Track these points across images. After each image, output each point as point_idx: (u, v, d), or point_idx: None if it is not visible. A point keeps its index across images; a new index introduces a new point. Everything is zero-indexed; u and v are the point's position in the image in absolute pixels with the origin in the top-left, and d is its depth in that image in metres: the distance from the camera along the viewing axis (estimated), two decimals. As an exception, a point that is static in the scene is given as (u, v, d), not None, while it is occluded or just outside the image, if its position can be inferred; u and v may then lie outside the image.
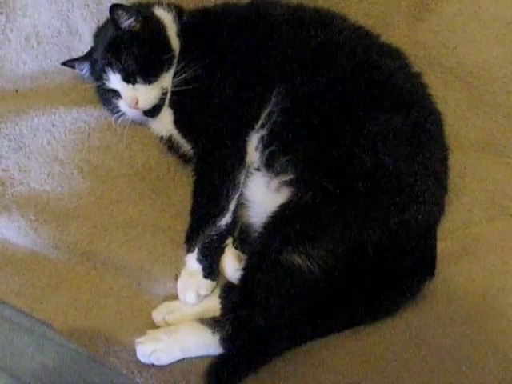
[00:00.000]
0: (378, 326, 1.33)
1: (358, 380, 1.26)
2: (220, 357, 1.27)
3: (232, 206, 1.42)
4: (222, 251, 1.43)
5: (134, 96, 1.50)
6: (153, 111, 1.54)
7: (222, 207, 1.41)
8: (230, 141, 1.45)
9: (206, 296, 1.39)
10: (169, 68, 1.53)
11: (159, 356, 1.28)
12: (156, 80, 1.51)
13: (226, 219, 1.42)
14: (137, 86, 1.50)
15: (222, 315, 1.34)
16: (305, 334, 1.31)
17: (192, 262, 1.40)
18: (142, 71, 1.49)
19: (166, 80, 1.53)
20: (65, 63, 1.65)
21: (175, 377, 1.28)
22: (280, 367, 1.27)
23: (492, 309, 1.35)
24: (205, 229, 1.40)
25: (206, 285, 1.39)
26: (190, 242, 1.41)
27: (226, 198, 1.41)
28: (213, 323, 1.31)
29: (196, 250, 1.39)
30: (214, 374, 1.25)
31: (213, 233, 1.40)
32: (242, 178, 1.44)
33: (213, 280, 1.40)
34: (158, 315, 1.36)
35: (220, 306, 1.37)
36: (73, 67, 1.66)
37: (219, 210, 1.41)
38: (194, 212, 1.44)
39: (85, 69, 1.63)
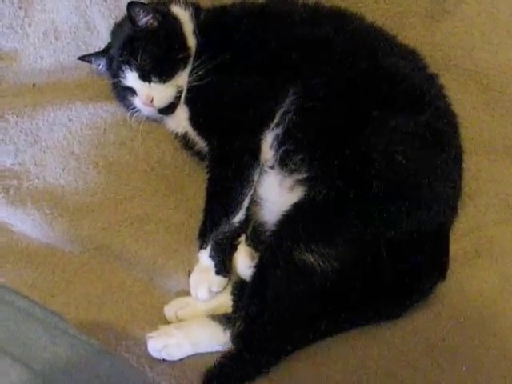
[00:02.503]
0: (388, 326, 1.33)
1: (367, 380, 1.26)
2: (229, 355, 1.28)
3: (245, 204, 1.43)
4: (234, 248, 1.43)
5: (150, 94, 1.50)
6: (168, 109, 1.54)
7: (236, 205, 1.41)
8: (244, 139, 1.45)
9: (217, 292, 1.39)
10: (185, 66, 1.53)
11: (170, 351, 1.29)
12: (171, 79, 1.51)
13: (239, 217, 1.42)
14: (152, 84, 1.50)
15: (233, 312, 1.35)
16: (315, 333, 1.31)
17: (204, 259, 1.40)
18: (157, 70, 1.49)
19: (182, 78, 1.53)
20: (82, 58, 1.65)
21: (186, 372, 1.28)
22: (288, 366, 1.28)
23: (504, 312, 1.35)
24: (218, 226, 1.40)
25: (218, 281, 1.39)
26: (202, 238, 1.41)
27: (240, 196, 1.42)
28: (224, 320, 1.32)
29: (209, 247, 1.40)
30: (222, 374, 1.26)
31: (226, 230, 1.41)
32: (255, 176, 1.44)
33: (225, 277, 1.40)
34: (169, 310, 1.37)
35: (232, 303, 1.37)
36: (89, 62, 1.66)
37: (232, 207, 1.41)
38: (207, 208, 1.44)
39: (101, 64, 1.63)
